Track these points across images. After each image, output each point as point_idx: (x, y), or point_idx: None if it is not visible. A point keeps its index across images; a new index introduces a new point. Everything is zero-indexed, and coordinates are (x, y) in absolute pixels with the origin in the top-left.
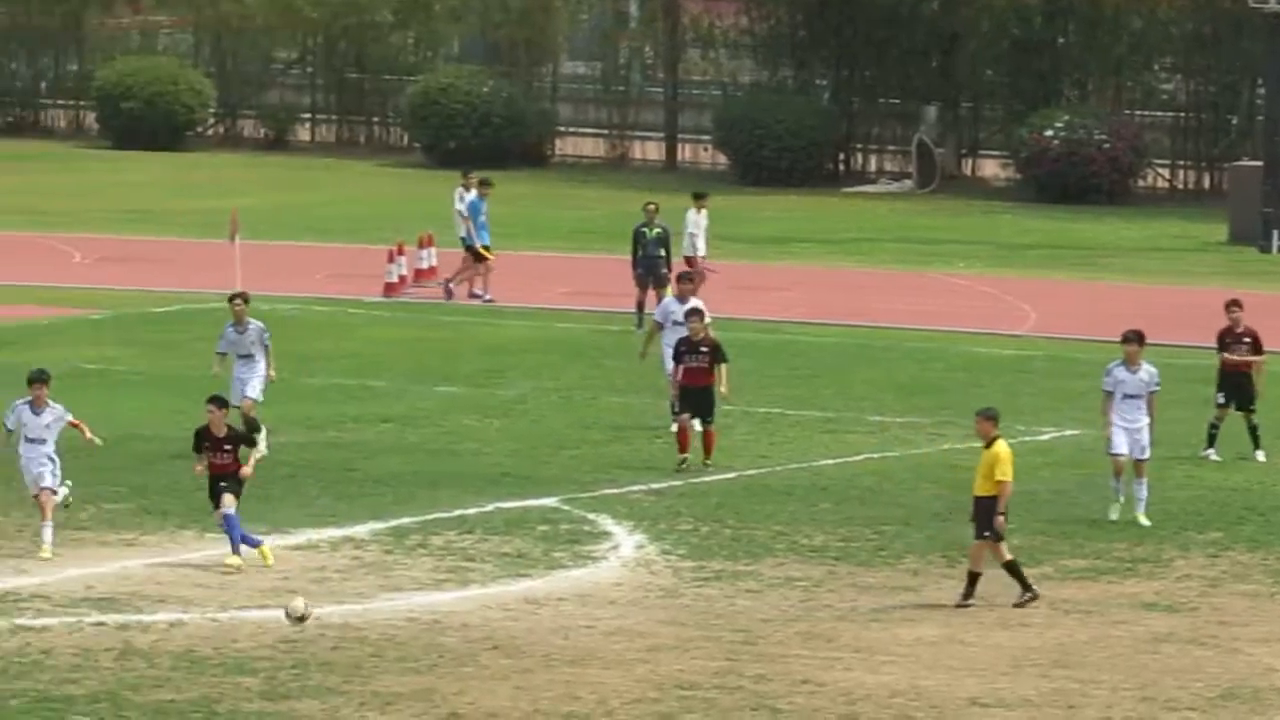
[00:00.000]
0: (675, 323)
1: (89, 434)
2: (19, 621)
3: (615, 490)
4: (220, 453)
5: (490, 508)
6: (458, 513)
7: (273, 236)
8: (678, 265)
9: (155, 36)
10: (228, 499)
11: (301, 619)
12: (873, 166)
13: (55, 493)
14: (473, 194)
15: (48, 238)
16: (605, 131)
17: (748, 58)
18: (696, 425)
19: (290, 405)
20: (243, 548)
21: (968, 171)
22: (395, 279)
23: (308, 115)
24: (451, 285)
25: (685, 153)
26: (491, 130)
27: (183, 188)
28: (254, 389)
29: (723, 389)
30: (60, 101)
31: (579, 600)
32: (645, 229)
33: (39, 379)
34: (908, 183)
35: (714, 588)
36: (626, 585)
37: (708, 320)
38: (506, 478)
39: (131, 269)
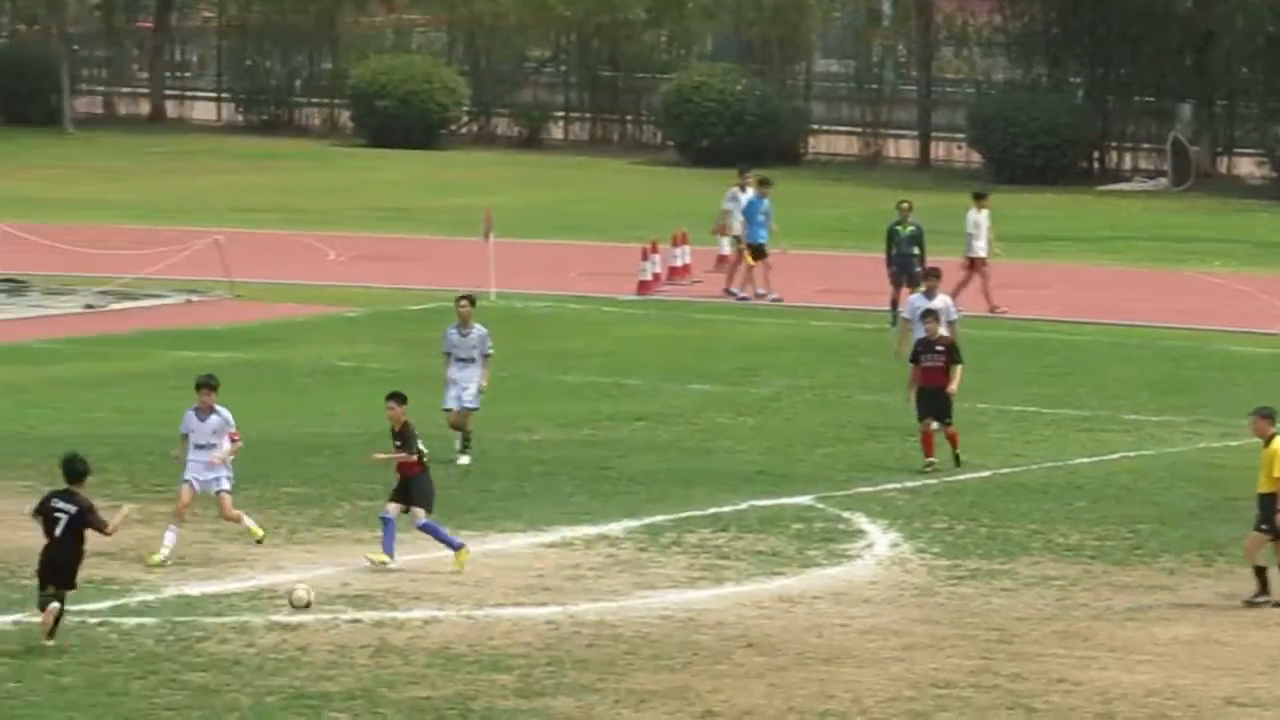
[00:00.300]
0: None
1: (228, 453)
2: (275, 618)
3: (869, 488)
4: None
5: (744, 505)
6: (712, 510)
7: (526, 234)
8: (949, 265)
9: (409, 35)
10: (418, 512)
11: (307, 605)
12: (1127, 165)
13: (230, 493)
14: (749, 192)
15: (303, 236)
16: (858, 129)
17: (1001, 55)
18: (934, 426)
19: (545, 403)
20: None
21: (1223, 169)
22: (649, 277)
23: (561, 113)
24: (735, 290)
25: (939, 151)
26: (745, 128)
27: (436, 186)
28: (471, 396)
29: (951, 387)
30: (315, 100)
31: (833, 598)
32: (899, 226)
33: (206, 384)
34: (1163, 181)
35: (969, 586)
36: (881, 583)
37: (954, 316)
38: (761, 475)
39: (386, 267)
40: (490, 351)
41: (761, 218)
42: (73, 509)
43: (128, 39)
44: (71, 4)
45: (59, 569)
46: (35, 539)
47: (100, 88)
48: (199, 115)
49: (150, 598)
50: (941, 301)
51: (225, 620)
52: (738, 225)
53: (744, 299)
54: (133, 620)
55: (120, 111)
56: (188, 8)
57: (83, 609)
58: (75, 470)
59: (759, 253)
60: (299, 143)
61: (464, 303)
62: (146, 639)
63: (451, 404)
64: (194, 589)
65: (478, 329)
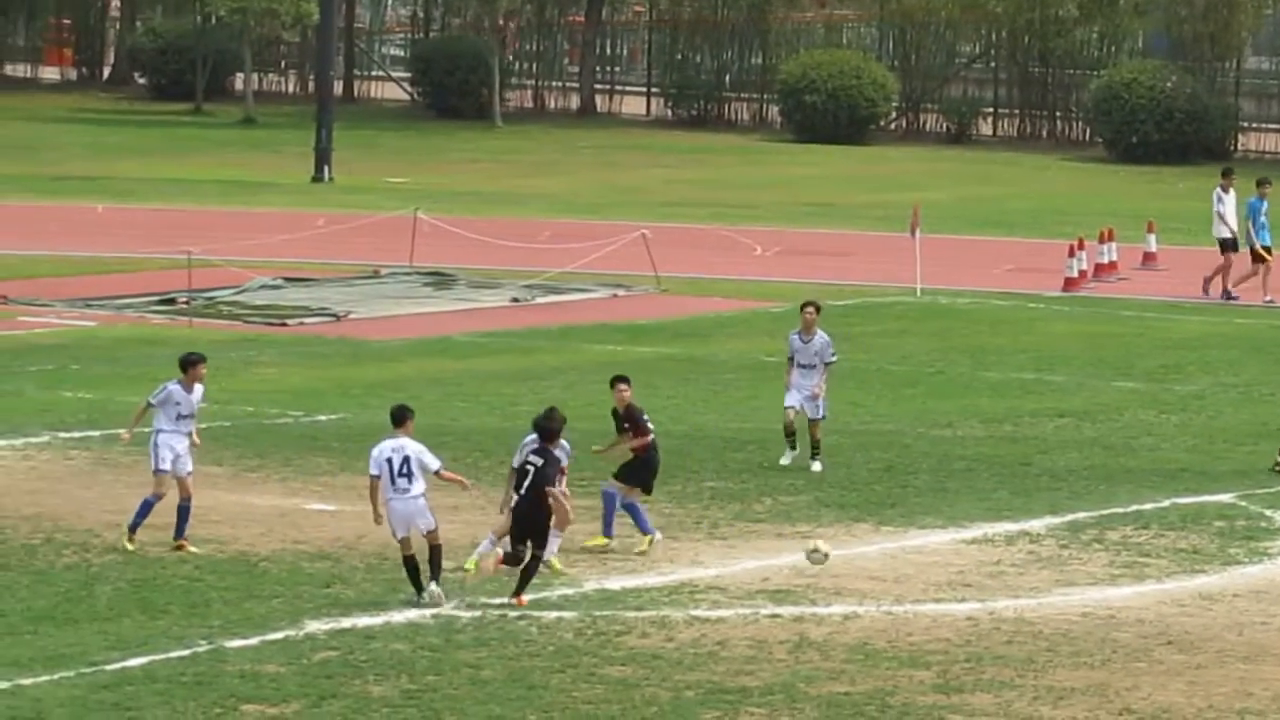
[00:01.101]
0: None
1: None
2: (695, 613)
3: None
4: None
5: (1166, 503)
6: (1134, 508)
7: (953, 230)
8: None
9: (839, 30)
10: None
11: (825, 558)
12: None
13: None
14: (1231, 194)
15: (730, 230)
16: None
17: None
18: None
19: (968, 398)
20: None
21: None
22: (1075, 274)
23: (990, 109)
24: (1230, 288)
25: None
26: (1174, 125)
27: (864, 181)
28: (817, 407)
29: None
30: (744, 95)
31: (1254, 596)
32: None
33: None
34: None
35: None
36: None
37: None
38: (1183, 473)
39: (812, 262)
40: (832, 359)
41: (1264, 219)
42: (541, 462)
43: (560, 33)
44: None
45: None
46: (451, 532)
47: (530, 82)
48: (628, 110)
49: (570, 591)
50: None
51: (644, 614)
52: (1225, 228)
53: (1269, 302)
54: (553, 614)
55: (550, 106)
56: (619, 2)
57: (503, 602)
58: (549, 428)
59: (1259, 255)
60: (727, 137)
61: (809, 309)
62: (566, 632)
63: (793, 403)
64: (614, 583)
65: (820, 336)
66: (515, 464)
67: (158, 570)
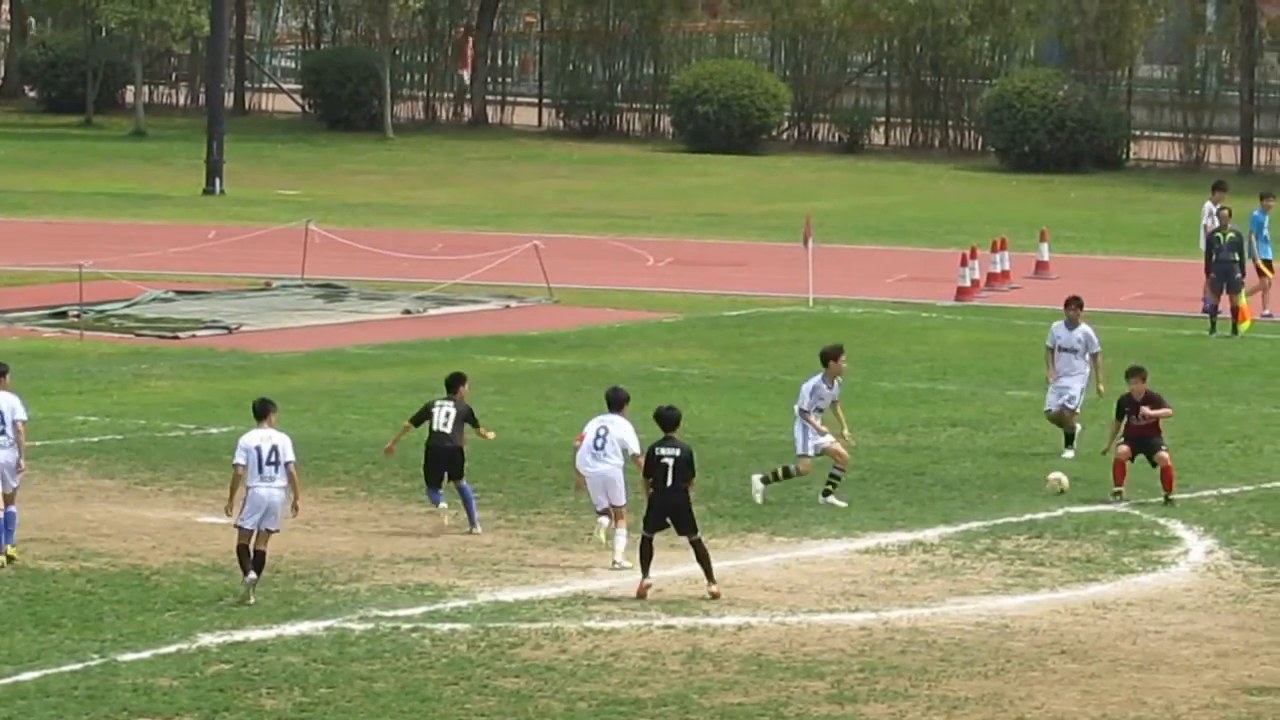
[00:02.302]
0: None
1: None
2: (588, 624)
3: (1186, 495)
4: None
5: (1060, 512)
6: (1027, 517)
7: (846, 239)
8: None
9: (731, 39)
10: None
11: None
12: None
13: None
14: (1218, 207)
15: (623, 241)
16: (1180, 135)
17: None
18: None
19: (861, 408)
20: None
21: None
22: (968, 283)
23: (882, 119)
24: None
25: (1261, 156)
26: (1066, 134)
27: (757, 191)
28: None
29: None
30: (636, 105)
31: (1147, 605)
32: (1219, 234)
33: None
34: None
35: None
36: (1196, 590)
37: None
38: (1077, 482)
39: (705, 272)
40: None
41: (1265, 233)
42: (677, 453)
43: (450, 44)
44: (395, 9)
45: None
46: (344, 545)
47: (422, 93)
48: (520, 120)
49: (464, 603)
50: None
51: (538, 626)
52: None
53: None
54: (446, 626)
55: (441, 117)
56: (509, 13)
57: (396, 614)
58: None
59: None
60: (620, 148)
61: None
62: (460, 644)
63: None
64: (508, 594)
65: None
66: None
67: (50, 584)
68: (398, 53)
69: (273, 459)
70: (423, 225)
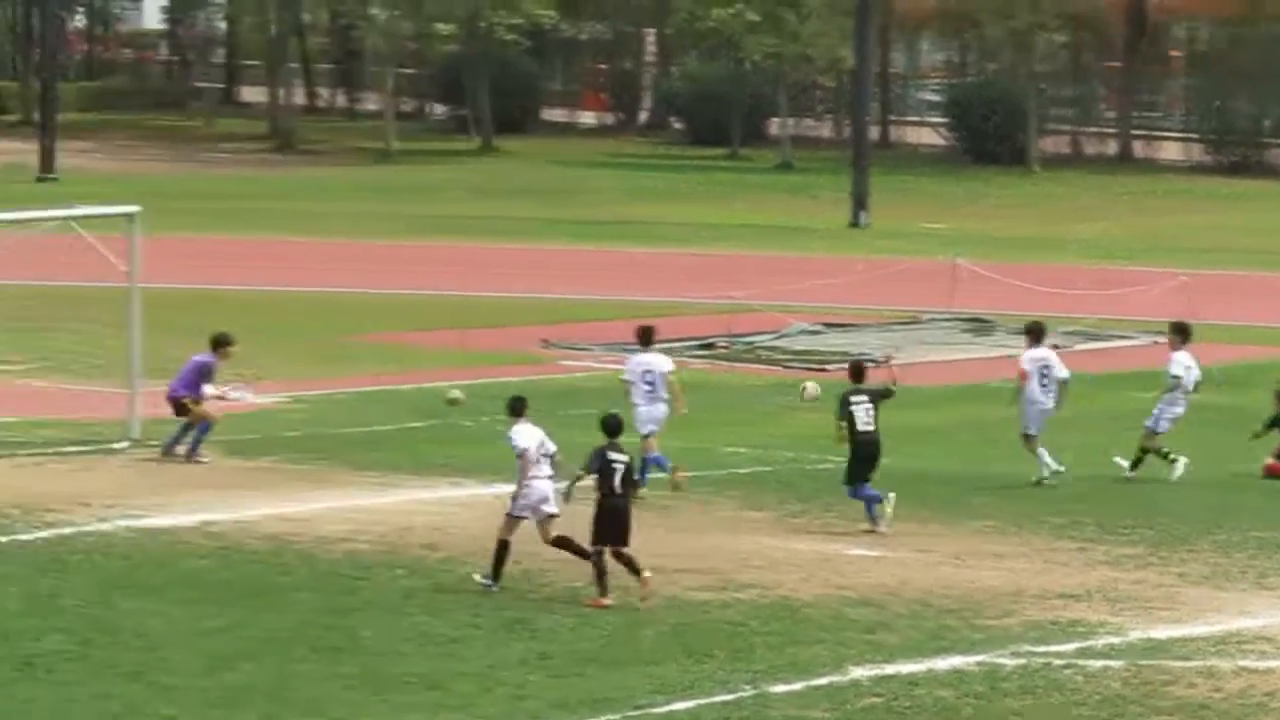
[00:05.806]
0: None
1: None
2: (1243, 663)
3: None
4: None
5: None
6: None
7: None
8: None
9: None
10: None
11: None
12: None
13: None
14: None
15: (1271, 277)
16: None
17: None
18: None
19: None
20: None
21: None
22: None
23: None
24: None
25: None
26: None
27: None
28: None
29: None
30: None
31: None
32: None
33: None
34: None
35: None
36: None
37: None
38: None
39: None
40: None
41: None
42: None
43: (1095, 78)
44: (1040, 43)
45: None
46: (994, 580)
47: (1067, 127)
48: (1166, 155)
49: (1116, 640)
50: None
51: (1191, 664)
52: None
53: None
54: (1099, 663)
55: (1087, 151)
56: (1154, 48)
57: (1048, 650)
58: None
59: None
60: (1267, 183)
61: None
62: (1113, 681)
63: None
64: (1160, 632)
65: None
66: None
67: (700, 615)
68: (1042, 86)
69: (546, 453)
70: (1066, 259)
